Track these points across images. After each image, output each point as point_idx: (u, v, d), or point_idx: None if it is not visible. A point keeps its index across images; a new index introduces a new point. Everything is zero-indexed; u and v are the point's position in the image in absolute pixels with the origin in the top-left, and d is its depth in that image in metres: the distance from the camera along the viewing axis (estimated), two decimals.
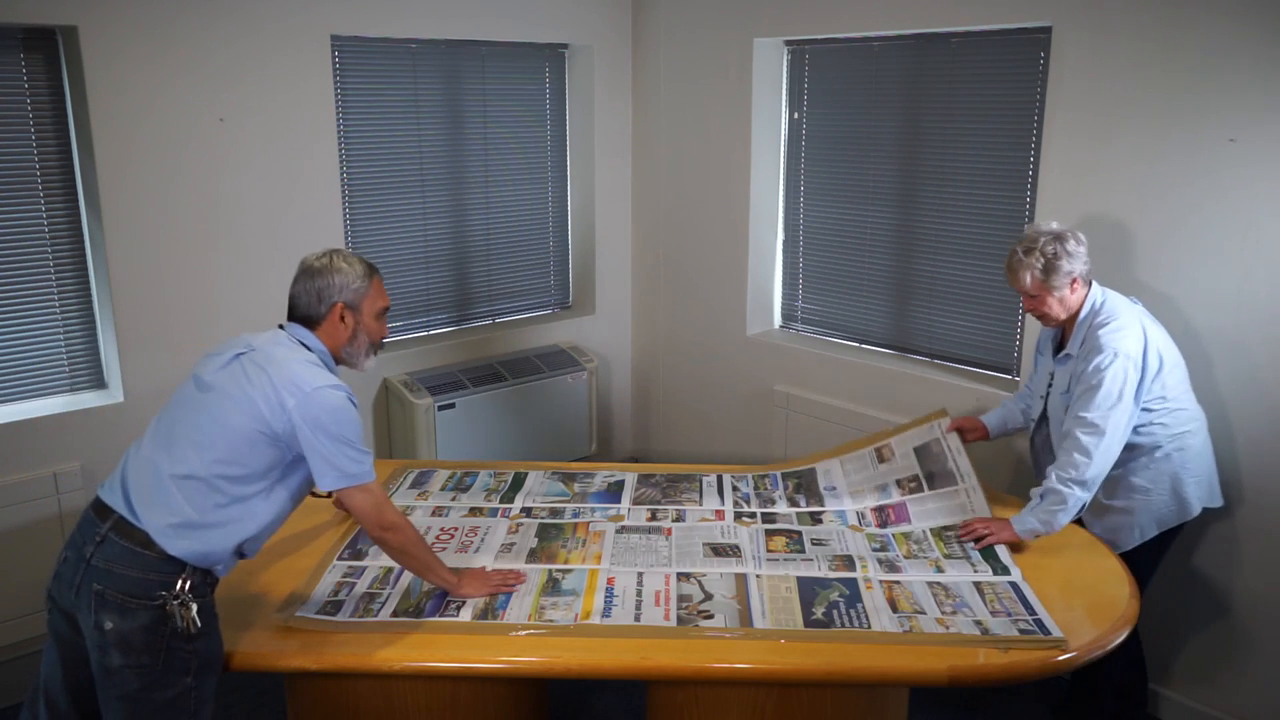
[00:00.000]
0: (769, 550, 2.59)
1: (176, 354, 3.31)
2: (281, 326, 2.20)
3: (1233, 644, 2.96)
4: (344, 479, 2.08)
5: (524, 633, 2.21)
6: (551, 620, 2.25)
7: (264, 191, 3.45)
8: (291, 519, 2.54)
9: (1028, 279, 2.60)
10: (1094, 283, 2.66)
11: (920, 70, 3.57)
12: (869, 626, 2.23)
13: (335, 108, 3.59)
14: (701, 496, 2.93)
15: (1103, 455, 2.52)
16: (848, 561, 2.53)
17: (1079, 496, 2.53)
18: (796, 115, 4.02)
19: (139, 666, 1.97)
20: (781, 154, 4.09)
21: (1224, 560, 2.93)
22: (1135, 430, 2.58)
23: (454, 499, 2.91)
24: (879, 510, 2.81)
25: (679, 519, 2.79)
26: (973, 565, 2.51)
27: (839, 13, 3.63)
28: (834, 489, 2.95)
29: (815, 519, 2.80)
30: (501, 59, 4.11)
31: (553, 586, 2.40)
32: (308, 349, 2.14)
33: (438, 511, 2.83)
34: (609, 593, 2.37)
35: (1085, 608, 2.32)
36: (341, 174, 3.69)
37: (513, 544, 2.62)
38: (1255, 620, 2.90)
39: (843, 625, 2.23)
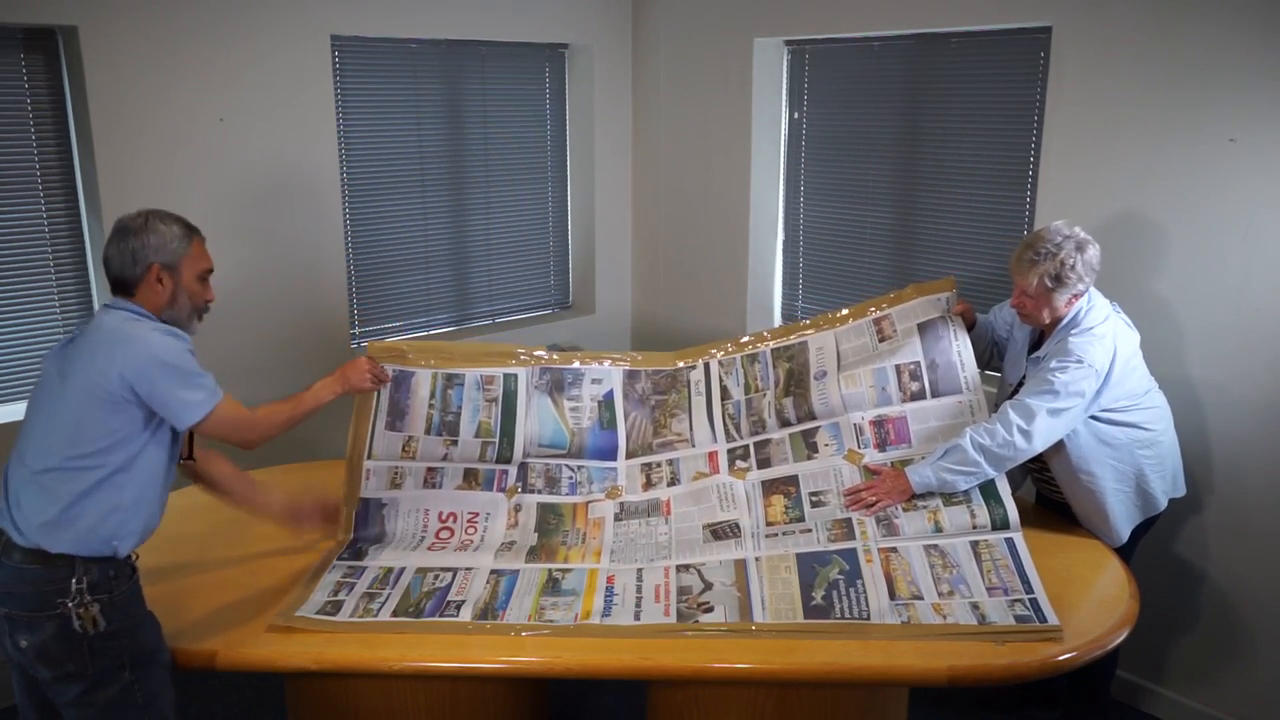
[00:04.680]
0: (768, 522, 2.56)
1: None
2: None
3: (1230, 643, 2.96)
4: (200, 406, 2.02)
5: (526, 633, 2.21)
6: (552, 620, 2.25)
7: (264, 191, 3.45)
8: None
9: (1034, 281, 2.51)
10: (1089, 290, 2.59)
11: (920, 70, 3.57)
12: (868, 614, 2.22)
13: (335, 108, 3.59)
14: (692, 425, 2.83)
15: (1022, 443, 2.47)
16: (846, 526, 2.49)
17: (985, 470, 2.48)
18: (796, 115, 4.02)
19: (68, 675, 1.96)
20: (781, 154, 4.09)
21: (1220, 557, 2.93)
22: (1106, 435, 2.56)
23: (446, 448, 2.70)
24: (878, 425, 2.70)
25: (674, 480, 2.74)
26: (972, 512, 2.47)
27: (839, 13, 3.63)
28: (824, 374, 2.78)
29: (810, 444, 2.72)
30: (501, 59, 4.11)
31: (552, 586, 2.39)
32: (133, 314, 2.06)
33: (429, 479, 2.70)
34: (609, 591, 2.36)
35: (1085, 608, 2.31)
36: (341, 174, 3.69)
37: (513, 542, 2.61)
38: (1252, 618, 2.90)
39: (842, 614, 2.23)
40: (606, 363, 2.92)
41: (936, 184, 3.60)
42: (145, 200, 3.17)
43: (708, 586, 2.35)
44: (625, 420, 2.86)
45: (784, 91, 4.02)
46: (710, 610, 2.26)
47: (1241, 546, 2.89)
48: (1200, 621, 3.02)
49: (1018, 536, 2.44)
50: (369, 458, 2.68)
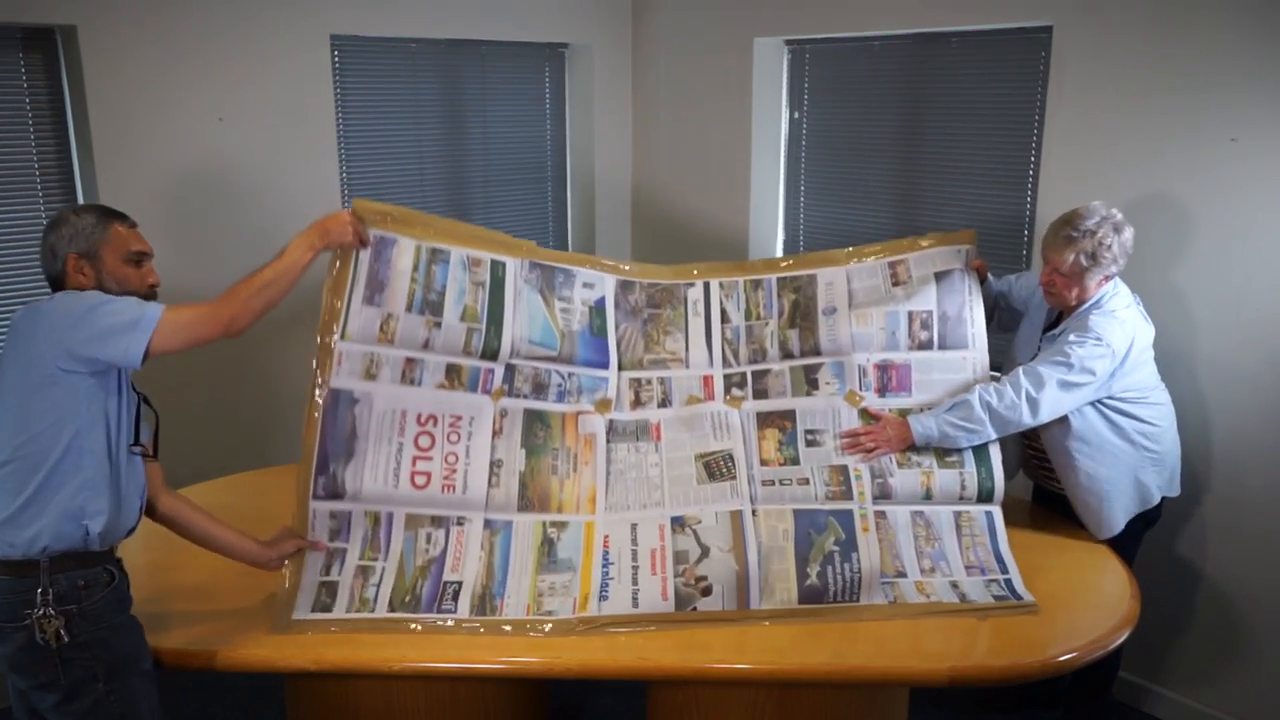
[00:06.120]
0: (762, 460, 2.53)
1: (175, 354, 3.30)
2: None
3: (1231, 643, 2.96)
4: (141, 328, 1.91)
5: (531, 633, 2.20)
6: (551, 612, 2.24)
7: (264, 191, 3.45)
8: (272, 511, 2.51)
9: (1070, 258, 2.49)
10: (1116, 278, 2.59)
11: (920, 70, 3.57)
12: (858, 596, 2.31)
13: (335, 108, 3.59)
14: (688, 345, 2.71)
15: (1027, 410, 2.48)
16: (844, 478, 2.48)
17: (988, 430, 2.49)
18: (796, 115, 4.02)
19: (43, 685, 1.94)
20: (781, 154, 4.09)
21: (1221, 557, 2.93)
22: (1110, 422, 2.57)
23: (428, 330, 2.44)
24: (882, 369, 2.65)
25: (665, 401, 2.65)
26: (963, 482, 2.50)
27: (839, 12, 3.63)
28: (834, 310, 2.70)
29: (810, 380, 2.66)
30: (501, 59, 4.11)
31: (549, 550, 2.36)
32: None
33: (408, 373, 2.43)
34: (605, 560, 2.35)
35: (1085, 608, 2.32)
36: (341, 174, 3.69)
37: (500, 461, 2.46)
38: (1253, 618, 2.90)
39: (835, 596, 2.31)
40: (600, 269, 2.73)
41: (936, 184, 3.60)
42: (144, 200, 3.19)
43: (704, 552, 2.34)
44: (616, 330, 2.69)
45: (784, 91, 4.02)
46: (709, 593, 2.27)
47: (1242, 546, 2.89)
48: (1201, 621, 3.01)
49: (997, 511, 2.49)
50: (342, 338, 2.37)
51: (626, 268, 2.77)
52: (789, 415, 2.62)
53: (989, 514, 2.49)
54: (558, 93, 4.36)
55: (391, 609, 2.25)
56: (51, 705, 1.96)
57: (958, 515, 2.48)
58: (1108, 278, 2.55)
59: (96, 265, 2.03)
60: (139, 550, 2.43)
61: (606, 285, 2.72)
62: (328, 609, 2.24)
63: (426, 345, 2.45)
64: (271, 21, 3.36)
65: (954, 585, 2.34)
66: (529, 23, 4.04)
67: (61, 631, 1.90)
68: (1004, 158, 3.37)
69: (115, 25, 3.05)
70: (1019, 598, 2.30)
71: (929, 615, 2.26)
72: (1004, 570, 2.38)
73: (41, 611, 1.89)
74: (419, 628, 2.22)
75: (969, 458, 2.53)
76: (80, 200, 3.19)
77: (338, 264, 2.38)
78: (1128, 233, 2.52)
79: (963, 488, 2.51)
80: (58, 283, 2.05)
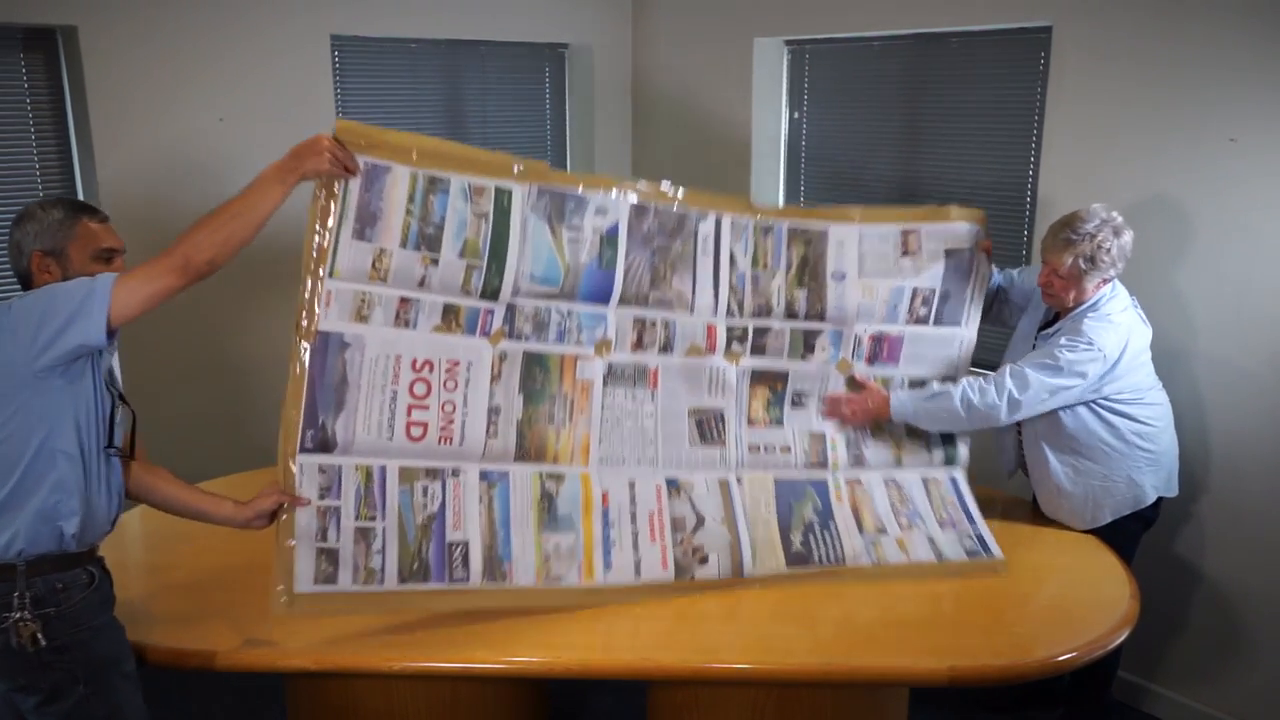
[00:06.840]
0: (749, 419, 2.61)
1: (176, 355, 3.31)
2: None
3: (1230, 642, 2.96)
4: (94, 299, 1.81)
5: (541, 583, 2.27)
6: (559, 578, 2.29)
7: None
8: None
9: (1068, 261, 2.51)
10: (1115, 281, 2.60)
11: (920, 70, 3.57)
12: (843, 559, 2.46)
13: (335, 108, 3.59)
14: (695, 285, 2.56)
15: (1006, 411, 2.54)
16: (821, 445, 2.64)
17: (962, 424, 2.62)
18: (796, 115, 4.02)
19: (22, 688, 1.91)
20: (781, 154, 4.09)
21: (1221, 557, 2.93)
22: (1105, 421, 2.59)
23: (424, 267, 2.26)
24: (876, 340, 2.71)
25: (667, 346, 2.55)
26: (929, 448, 2.70)
27: (839, 13, 3.63)
28: (844, 277, 2.67)
29: (808, 345, 2.69)
30: (501, 59, 4.11)
31: (548, 506, 2.35)
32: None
33: (402, 313, 2.27)
34: (605, 520, 2.38)
35: (1084, 608, 2.32)
36: None
37: (498, 408, 2.35)
38: (1253, 618, 2.90)
39: (820, 560, 2.45)
40: (614, 191, 2.49)
41: (937, 184, 3.60)
42: (144, 200, 3.19)
43: (700, 521, 2.43)
44: (625, 260, 2.50)
45: (784, 91, 4.02)
46: (706, 561, 2.38)
47: (1241, 546, 2.89)
48: (1199, 621, 3.02)
49: (960, 473, 2.69)
50: (331, 275, 2.19)
51: (643, 189, 2.51)
52: (782, 377, 2.68)
53: (954, 479, 2.68)
54: (558, 93, 4.36)
55: (401, 579, 2.16)
56: (32, 707, 1.93)
57: (926, 481, 2.67)
58: (1106, 280, 2.56)
59: (63, 263, 1.94)
60: (139, 550, 2.43)
61: (620, 211, 2.48)
62: (331, 580, 2.12)
63: (422, 284, 2.27)
64: (272, 21, 3.37)
65: (931, 541, 2.51)
66: (529, 23, 4.04)
67: (38, 635, 1.85)
68: (1003, 158, 3.37)
69: (115, 25, 3.06)
70: (989, 552, 2.49)
71: (909, 577, 2.43)
72: (973, 524, 2.56)
73: (17, 616, 1.84)
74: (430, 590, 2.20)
75: (934, 434, 2.71)
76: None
77: (322, 194, 2.16)
78: (1127, 236, 2.52)
79: (930, 453, 2.71)
80: (25, 280, 1.97)
